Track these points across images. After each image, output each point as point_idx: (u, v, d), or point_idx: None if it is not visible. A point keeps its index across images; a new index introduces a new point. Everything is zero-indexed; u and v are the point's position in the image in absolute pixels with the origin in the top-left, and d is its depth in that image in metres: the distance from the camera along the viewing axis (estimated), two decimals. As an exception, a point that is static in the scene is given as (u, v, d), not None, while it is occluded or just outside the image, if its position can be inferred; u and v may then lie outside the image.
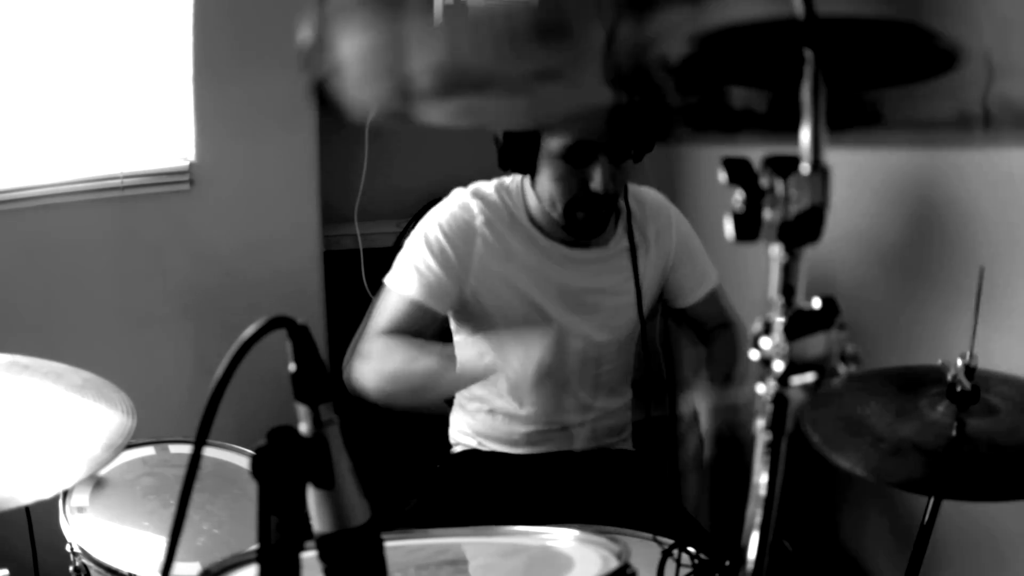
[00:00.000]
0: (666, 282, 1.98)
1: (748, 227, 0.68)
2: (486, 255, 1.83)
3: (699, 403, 1.79)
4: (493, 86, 0.79)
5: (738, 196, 0.68)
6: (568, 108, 0.81)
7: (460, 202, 1.87)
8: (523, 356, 1.59)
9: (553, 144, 1.75)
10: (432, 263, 1.81)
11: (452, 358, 1.69)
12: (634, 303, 1.90)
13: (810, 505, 2.16)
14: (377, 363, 1.76)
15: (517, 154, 1.79)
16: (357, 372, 1.79)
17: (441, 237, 1.83)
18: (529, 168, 1.81)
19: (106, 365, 1.60)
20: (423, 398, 1.83)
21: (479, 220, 1.84)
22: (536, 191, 1.84)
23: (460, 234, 1.83)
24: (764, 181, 0.68)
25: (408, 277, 1.82)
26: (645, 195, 1.98)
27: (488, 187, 1.90)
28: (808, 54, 0.67)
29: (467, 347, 1.73)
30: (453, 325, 1.96)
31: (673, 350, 2.17)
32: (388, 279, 1.87)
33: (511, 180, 1.90)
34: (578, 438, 1.95)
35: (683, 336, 2.13)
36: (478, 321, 1.90)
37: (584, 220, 1.81)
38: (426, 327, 1.82)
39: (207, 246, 2.44)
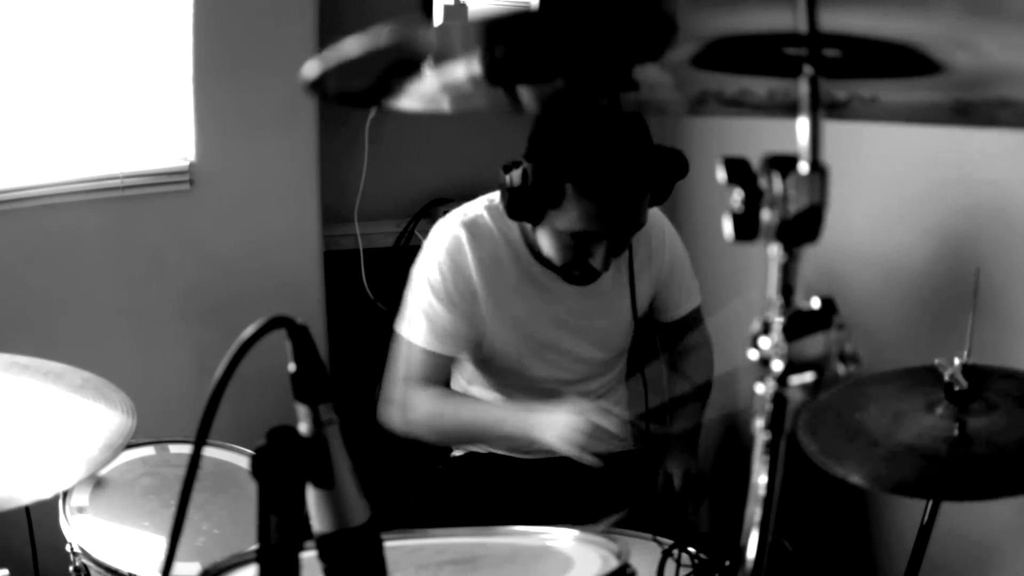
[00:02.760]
0: (656, 295, 1.98)
1: (747, 227, 0.68)
2: (483, 289, 1.83)
3: (673, 468, 1.92)
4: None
5: (737, 196, 0.68)
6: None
7: (452, 237, 1.83)
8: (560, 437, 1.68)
9: (560, 223, 1.72)
10: (440, 308, 1.82)
11: (498, 419, 1.81)
12: (628, 321, 1.90)
13: (809, 505, 2.16)
14: (424, 417, 1.84)
15: (523, 212, 1.75)
16: (396, 420, 1.86)
17: (442, 280, 1.82)
18: (534, 223, 1.78)
19: (106, 365, 1.60)
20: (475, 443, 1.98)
21: (471, 256, 1.82)
22: (536, 239, 1.81)
23: (459, 272, 1.82)
24: (763, 181, 0.68)
25: (420, 326, 1.83)
26: None
27: (478, 210, 1.86)
28: (808, 69, 0.68)
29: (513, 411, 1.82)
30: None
31: (674, 354, 2.17)
32: (402, 328, 1.87)
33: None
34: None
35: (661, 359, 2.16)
36: (479, 349, 1.91)
37: (580, 277, 1.82)
38: (449, 368, 1.91)
39: (207, 246, 2.44)
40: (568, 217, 1.70)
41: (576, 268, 1.78)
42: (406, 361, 1.85)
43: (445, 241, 1.84)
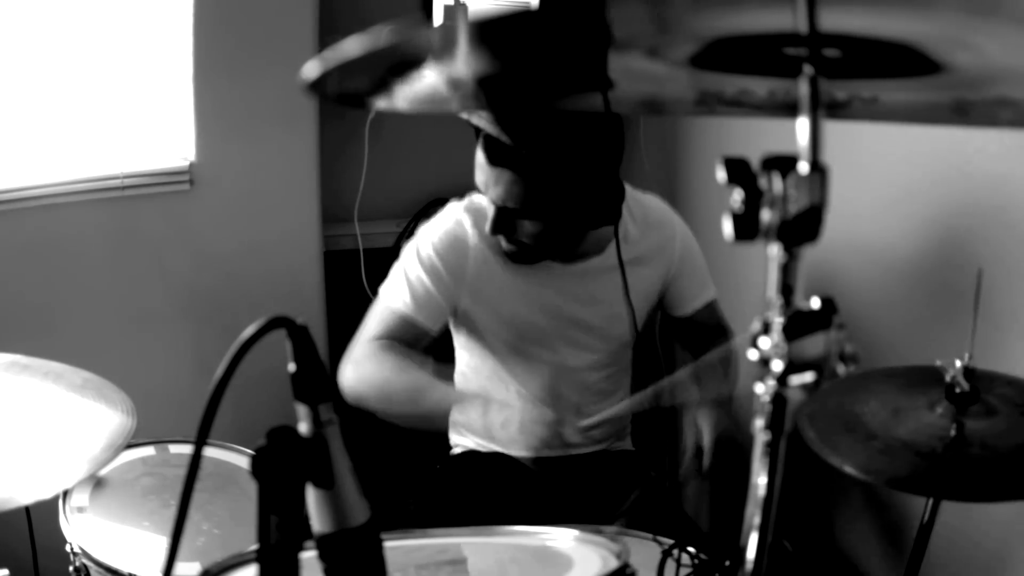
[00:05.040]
0: (666, 291, 1.98)
1: (747, 227, 0.68)
2: (479, 272, 1.83)
3: (701, 420, 1.79)
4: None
5: (737, 196, 0.68)
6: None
7: (455, 218, 1.85)
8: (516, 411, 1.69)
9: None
10: (425, 279, 1.81)
11: (442, 377, 1.72)
12: (622, 311, 1.89)
13: (809, 505, 2.16)
14: (365, 369, 1.77)
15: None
16: (346, 376, 1.79)
17: (433, 254, 1.82)
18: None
19: (106, 365, 1.60)
20: (410, 411, 1.76)
21: (471, 236, 1.82)
22: None
23: (453, 251, 1.82)
24: (763, 181, 0.68)
25: (400, 291, 1.82)
26: (648, 205, 1.96)
27: (482, 199, 1.85)
28: (808, 69, 0.68)
29: (469, 379, 1.76)
30: (452, 328, 1.97)
31: (673, 351, 2.17)
32: (383, 289, 1.87)
33: None
34: (573, 438, 1.95)
35: (678, 349, 2.14)
36: (471, 333, 1.92)
37: (516, 255, 1.80)
38: (417, 340, 1.82)
39: (207, 246, 2.44)
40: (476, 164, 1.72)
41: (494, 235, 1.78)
42: (377, 320, 1.83)
43: (448, 221, 1.85)
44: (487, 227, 1.75)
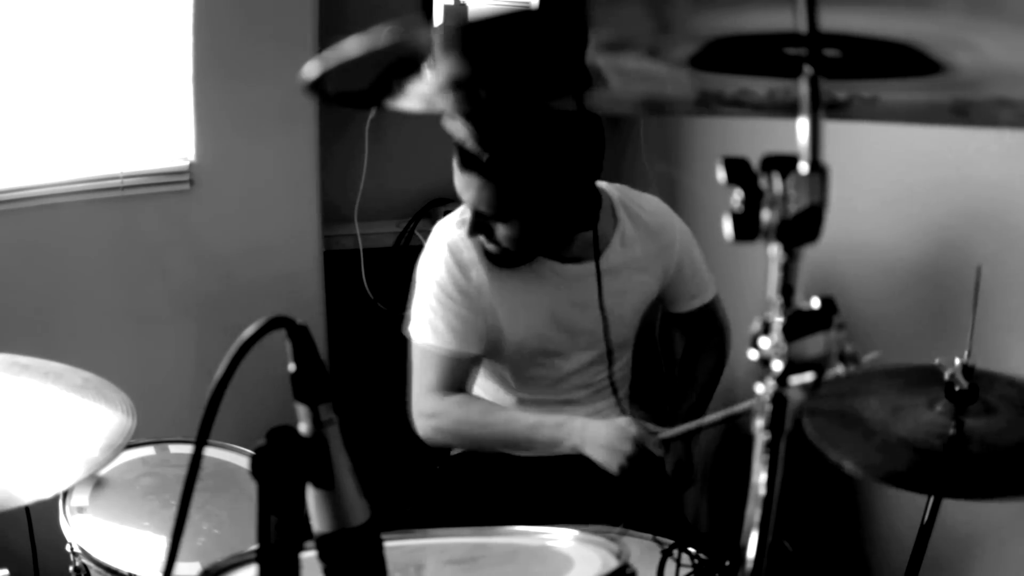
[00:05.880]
0: (664, 292, 1.99)
1: (747, 227, 0.68)
2: (487, 286, 1.83)
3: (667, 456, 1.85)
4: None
5: (737, 196, 0.68)
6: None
7: (449, 237, 1.84)
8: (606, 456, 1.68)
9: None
10: (450, 304, 1.82)
11: (532, 427, 1.78)
12: (625, 314, 1.90)
13: (810, 505, 2.16)
14: (452, 425, 1.83)
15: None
16: (424, 429, 1.85)
17: (449, 277, 1.82)
18: None
19: (106, 365, 1.60)
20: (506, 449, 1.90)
21: (467, 255, 1.83)
22: None
23: (463, 268, 1.82)
24: (763, 181, 0.68)
25: (435, 328, 1.83)
26: (648, 207, 1.96)
27: None
28: (808, 69, 0.68)
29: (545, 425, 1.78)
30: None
31: (672, 350, 2.18)
32: (415, 334, 1.86)
33: None
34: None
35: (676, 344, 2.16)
36: (497, 345, 1.90)
37: (498, 257, 1.81)
38: (470, 368, 1.87)
39: (207, 246, 2.44)
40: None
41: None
42: (425, 367, 1.84)
43: (446, 240, 1.85)
44: (467, 230, 1.76)
